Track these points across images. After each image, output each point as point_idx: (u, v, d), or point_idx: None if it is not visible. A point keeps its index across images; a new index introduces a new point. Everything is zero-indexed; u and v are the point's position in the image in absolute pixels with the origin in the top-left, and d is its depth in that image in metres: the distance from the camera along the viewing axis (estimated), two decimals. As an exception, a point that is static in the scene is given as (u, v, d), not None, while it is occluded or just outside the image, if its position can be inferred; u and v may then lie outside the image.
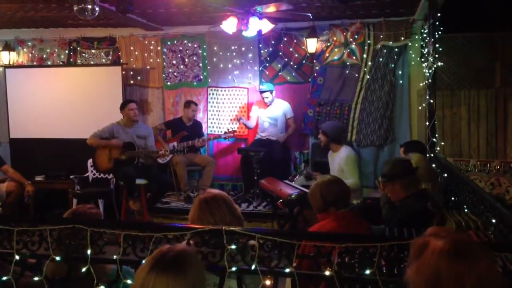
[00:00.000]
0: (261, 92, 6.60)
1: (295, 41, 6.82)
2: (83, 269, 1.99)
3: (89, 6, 4.55)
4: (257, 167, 6.04)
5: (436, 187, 3.86)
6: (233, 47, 7.01)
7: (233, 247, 1.89)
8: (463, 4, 5.91)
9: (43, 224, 2.04)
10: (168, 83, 7.36)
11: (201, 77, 7.27)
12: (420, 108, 6.22)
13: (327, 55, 6.73)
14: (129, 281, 1.98)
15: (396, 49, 6.45)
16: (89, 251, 1.99)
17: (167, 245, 1.69)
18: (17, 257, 2.05)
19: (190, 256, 1.66)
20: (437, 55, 5.24)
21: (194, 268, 1.62)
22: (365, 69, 6.60)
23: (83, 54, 7.56)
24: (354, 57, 6.65)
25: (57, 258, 2.02)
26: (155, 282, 1.54)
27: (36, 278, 2.04)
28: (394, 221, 3.19)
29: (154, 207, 6.19)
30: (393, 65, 6.50)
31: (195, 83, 7.30)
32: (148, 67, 7.38)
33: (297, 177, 5.99)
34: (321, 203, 2.97)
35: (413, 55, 6.47)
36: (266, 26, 5.45)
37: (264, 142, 6.52)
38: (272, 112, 6.58)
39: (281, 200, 4.78)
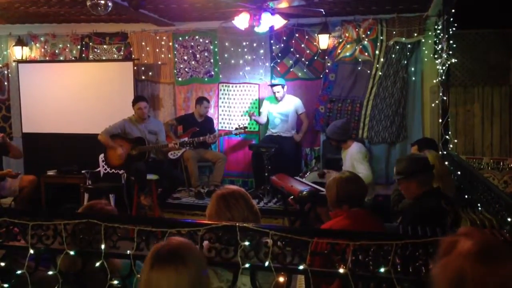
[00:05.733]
0: (272, 86, 6.58)
1: (306, 37, 6.79)
2: (97, 264, 2.00)
3: (102, 2, 4.57)
4: (268, 163, 6.03)
5: (449, 186, 3.80)
6: (244, 43, 7.00)
7: (247, 243, 1.89)
8: (477, 0, 5.84)
9: (58, 219, 2.05)
10: (179, 79, 7.37)
11: (212, 73, 7.27)
12: (433, 105, 6.17)
13: (339, 51, 6.69)
14: (142, 276, 1.99)
15: (409, 46, 6.39)
16: (103, 246, 1.99)
17: (162, 241, 1.70)
18: (31, 251, 2.06)
19: (187, 246, 1.66)
20: (450, 52, 5.20)
21: (194, 258, 1.62)
22: (378, 66, 6.55)
23: (95, 50, 7.60)
24: (366, 54, 6.60)
25: (71, 253, 2.03)
26: (159, 278, 1.55)
27: (50, 272, 2.05)
28: (407, 219, 3.17)
29: (165, 202, 6.20)
30: (405, 62, 6.44)
31: (206, 79, 7.30)
32: (159, 62, 7.40)
33: (308, 174, 5.97)
34: (335, 199, 2.96)
35: (426, 52, 6.41)
36: (278, 22, 5.42)
37: (275, 138, 6.51)
38: (283, 108, 6.55)
39: (292, 197, 4.77)
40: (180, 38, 7.30)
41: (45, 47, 7.71)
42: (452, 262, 1.30)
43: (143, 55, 7.41)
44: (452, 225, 3.03)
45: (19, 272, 2.06)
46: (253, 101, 7.13)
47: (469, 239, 1.32)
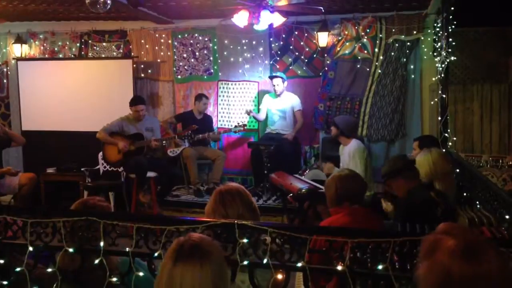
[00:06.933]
0: (272, 78, 6.57)
1: (306, 35, 6.79)
2: (96, 261, 2.00)
3: (101, -1, 4.56)
4: (267, 161, 6.03)
5: (450, 185, 3.80)
6: (243, 41, 7.00)
7: (245, 240, 1.89)
8: (476, -2, 5.85)
9: (57, 216, 2.05)
10: (179, 77, 7.37)
11: (212, 70, 7.26)
12: (432, 103, 6.17)
13: (338, 49, 6.69)
14: (141, 273, 1.99)
15: (408, 43, 6.40)
16: (102, 243, 2.00)
17: (183, 236, 1.69)
18: (30, 249, 2.06)
19: (209, 241, 1.66)
20: (450, 50, 5.19)
21: (217, 253, 1.63)
22: (377, 63, 6.55)
23: (94, 47, 7.59)
24: (365, 51, 6.60)
25: (70, 250, 2.03)
26: (183, 273, 1.53)
27: (49, 270, 2.05)
28: (399, 214, 3.19)
29: (164, 200, 6.22)
30: (405, 60, 6.45)
31: (205, 77, 7.30)
32: (158, 60, 7.39)
33: (307, 172, 5.98)
34: (335, 197, 2.96)
35: (425, 49, 6.40)
36: (277, 20, 5.42)
37: (274, 136, 6.52)
38: (281, 104, 6.56)
39: (291, 195, 4.77)
40: (179, 36, 7.30)
41: (44, 44, 7.70)
42: (437, 262, 1.29)
43: (142, 52, 7.40)
44: (443, 215, 3.05)
45: (18, 269, 2.06)
46: (252, 98, 7.13)
47: (451, 238, 1.32)
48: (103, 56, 7.53)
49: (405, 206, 3.24)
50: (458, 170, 4.35)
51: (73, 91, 7.21)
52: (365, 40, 6.57)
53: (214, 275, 1.56)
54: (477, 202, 3.41)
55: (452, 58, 5.30)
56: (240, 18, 5.40)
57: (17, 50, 7.54)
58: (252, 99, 7.13)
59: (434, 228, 1.64)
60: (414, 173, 3.42)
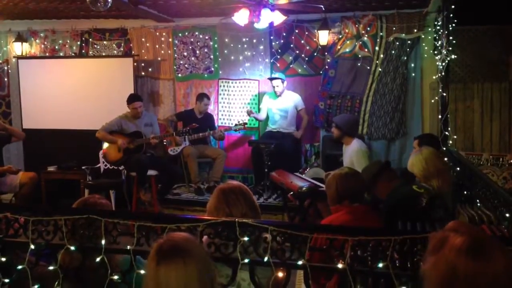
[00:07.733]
0: (271, 79, 6.58)
1: (306, 33, 6.78)
2: (97, 259, 2.01)
3: (102, -2, 4.56)
4: (268, 159, 6.03)
5: (447, 182, 3.80)
6: (244, 39, 6.99)
7: (246, 239, 1.90)
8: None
9: (58, 214, 2.06)
10: (179, 75, 7.37)
11: (212, 69, 7.26)
12: (432, 101, 6.17)
13: (339, 47, 6.68)
14: (142, 271, 2.00)
15: (409, 42, 6.39)
16: (103, 241, 2.00)
17: (163, 237, 1.70)
18: (32, 247, 2.07)
19: (189, 239, 1.67)
20: (450, 48, 5.20)
21: (198, 250, 1.63)
22: (377, 62, 6.55)
23: (95, 46, 7.59)
24: (366, 50, 6.59)
25: (72, 248, 2.04)
26: (167, 273, 1.54)
27: (51, 268, 2.06)
28: (385, 212, 3.20)
29: (164, 198, 6.23)
30: (405, 58, 6.44)
31: (206, 75, 7.29)
32: (159, 58, 7.39)
33: (307, 170, 5.98)
34: (335, 195, 2.97)
35: (426, 48, 6.40)
36: (278, 18, 5.42)
37: (275, 135, 6.52)
38: (282, 104, 6.56)
39: (291, 193, 4.77)
40: (180, 34, 7.30)
41: (45, 43, 7.71)
42: (443, 259, 1.30)
43: (143, 51, 7.41)
44: (429, 205, 3.04)
45: (19, 267, 2.07)
46: (252, 97, 7.13)
47: (459, 235, 1.33)
48: (103, 54, 7.53)
49: (388, 206, 3.25)
50: (458, 169, 4.35)
51: (74, 90, 7.21)
52: (365, 38, 6.56)
53: (199, 272, 1.56)
54: (477, 201, 3.41)
55: (453, 56, 5.30)
56: (241, 17, 5.40)
57: (18, 48, 7.54)
58: (253, 97, 7.12)
59: (421, 220, 1.64)
60: (392, 173, 3.50)
